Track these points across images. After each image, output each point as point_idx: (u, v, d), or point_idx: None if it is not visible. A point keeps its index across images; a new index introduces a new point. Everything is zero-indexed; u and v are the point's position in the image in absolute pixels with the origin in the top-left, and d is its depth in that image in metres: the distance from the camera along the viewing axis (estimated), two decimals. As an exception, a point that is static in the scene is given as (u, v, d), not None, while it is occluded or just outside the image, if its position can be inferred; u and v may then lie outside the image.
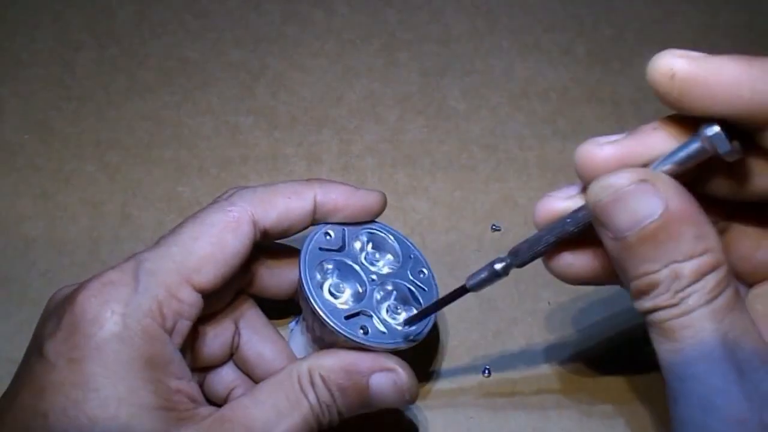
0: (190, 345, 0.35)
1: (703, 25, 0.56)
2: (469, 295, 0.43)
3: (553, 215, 0.31)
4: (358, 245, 0.37)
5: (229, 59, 0.54)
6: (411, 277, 0.37)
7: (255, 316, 0.39)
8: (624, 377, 0.41)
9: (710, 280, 0.26)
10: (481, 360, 0.42)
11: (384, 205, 0.37)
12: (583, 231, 0.30)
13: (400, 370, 0.34)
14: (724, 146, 0.26)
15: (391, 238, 0.38)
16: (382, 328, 0.34)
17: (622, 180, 0.27)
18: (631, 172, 0.27)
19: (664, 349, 0.27)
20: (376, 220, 0.38)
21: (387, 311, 0.36)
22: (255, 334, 0.38)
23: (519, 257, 0.32)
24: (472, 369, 0.41)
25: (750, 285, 0.32)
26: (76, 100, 0.52)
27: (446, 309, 0.43)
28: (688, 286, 0.26)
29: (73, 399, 0.29)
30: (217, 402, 0.37)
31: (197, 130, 0.50)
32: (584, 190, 0.30)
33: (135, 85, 0.52)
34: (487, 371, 0.41)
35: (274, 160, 0.49)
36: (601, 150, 0.29)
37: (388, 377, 0.33)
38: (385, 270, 0.37)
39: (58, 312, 0.31)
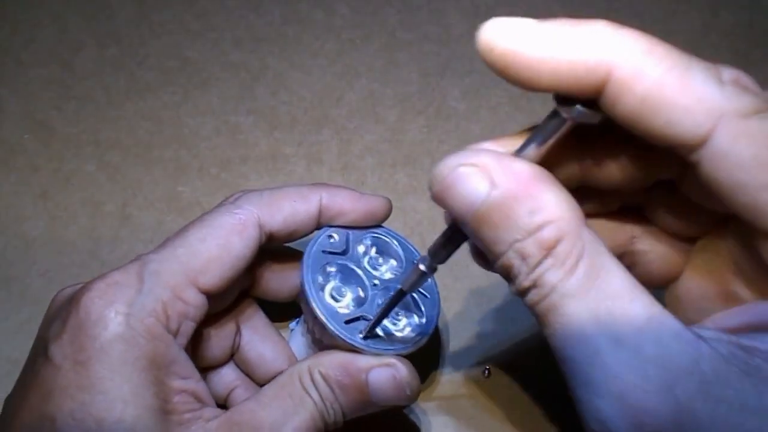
0: (192, 346, 0.35)
1: (703, 25, 0.56)
2: (469, 296, 0.44)
3: None
4: (361, 249, 0.37)
5: (229, 59, 0.54)
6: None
7: (257, 318, 0.39)
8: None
9: (559, 253, 0.24)
10: (481, 360, 0.42)
11: (389, 211, 0.37)
12: None
13: (399, 364, 0.34)
14: (574, 111, 0.25)
15: (395, 243, 0.38)
16: (382, 333, 0.34)
17: (450, 163, 0.26)
18: (456, 156, 0.26)
19: (545, 333, 0.25)
20: (381, 225, 0.38)
21: (388, 317, 0.36)
22: (256, 334, 0.38)
23: (437, 257, 0.31)
24: (472, 369, 0.41)
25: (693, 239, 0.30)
26: (76, 100, 0.52)
27: (446, 309, 0.43)
28: (538, 264, 0.24)
29: (80, 402, 0.29)
30: (216, 402, 0.37)
31: (197, 130, 0.50)
32: None
33: (135, 85, 0.52)
34: (487, 371, 0.41)
35: (274, 160, 0.49)
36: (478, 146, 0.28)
37: (386, 372, 0.33)
38: (388, 275, 0.37)
39: (62, 313, 0.31)
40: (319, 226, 0.36)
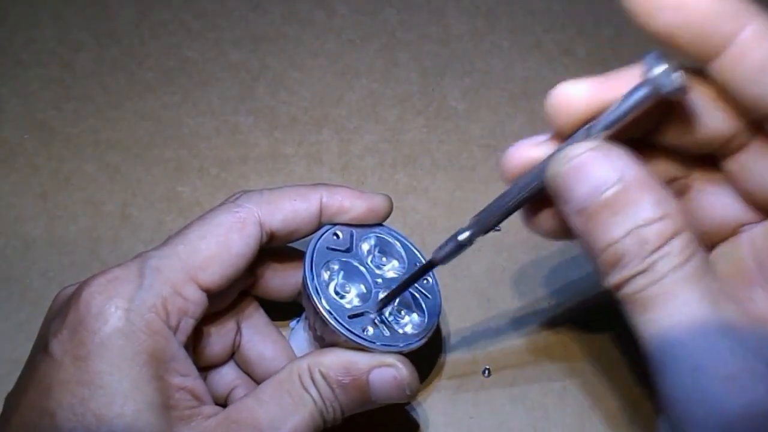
0: (192, 344, 0.35)
1: (703, 25, 0.56)
2: (469, 296, 0.44)
3: (524, 164, 0.31)
4: (365, 248, 0.37)
5: (229, 59, 0.54)
6: (415, 284, 0.37)
7: (257, 317, 0.39)
8: (626, 377, 0.41)
9: (676, 245, 0.26)
10: (481, 360, 0.42)
11: (390, 209, 0.38)
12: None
13: (399, 365, 0.34)
14: (668, 82, 0.26)
15: (398, 244, 0.38)
16: (385, 331, 0.34)
17: (577, 150, 0.28)
18: (586, 143, 0.28)
19: (642, 321, 0.26)
20: (385, 224, 0.38)
21: (390, 314, 0.36)
22: (256, 334, 0.38)
23: (481, 224, 0.32)
24: (472, 369, 0.41)
25: (711, 246, 0.31)
26: (76, 100, 0.52)
27: (446, 309, 0.43)
28: (655, 251, 0.26)
29: (80, 397, 0.29)
30: (216, 401, 0.37)
31: (197, 130, 0.50)
32: (555, 136, 0.30)
33: (135, 85, 0.52)
34: (487, 371, 0.41)
35: (274, 160, 0.49)
36: (574, 87, 0.29)
37: (387, 372, 0.34)
38: (390, 274, 0.37)
39: (62, 310, 0.32)
40: (320, 226, 0.37)
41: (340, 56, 0.54)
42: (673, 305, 0.26)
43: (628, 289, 0.27)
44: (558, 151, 0.29)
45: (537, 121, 0.51)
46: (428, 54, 0.54)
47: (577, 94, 0.29)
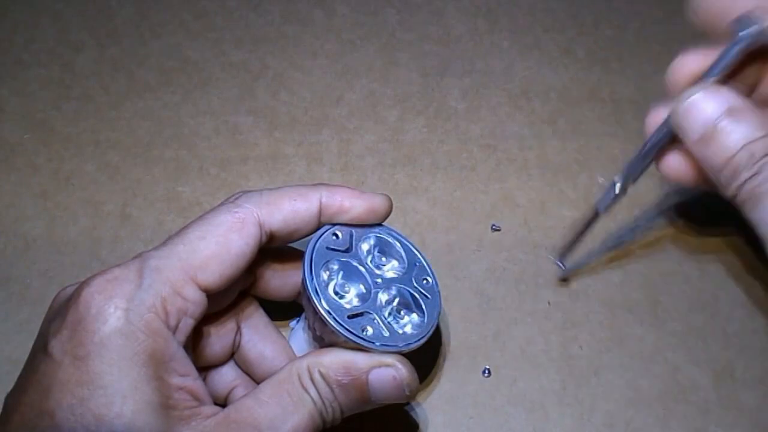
0: (192, 344, 0.35)
1: (703, 25, 0.56)
2: (469, 296, 0.44)
3: (695, 74, 0.36)
4: (365, 248, 0.37)
5: (229, 59, 0.54)
6: (415, 284, 0.37)
7: (257, 317, 0.39)
8: (624, 377, 0.41)
9: None
10: (481, 360, 0.42)
11: (390, 209, 0.38)
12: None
13: (399, 365, 0.34)
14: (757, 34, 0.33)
15: (398, 244, 0.38)
16: (384, 331, 0.34)
17: (692, 91, 0.35)
18: (697, 86, 0.35)
19: (757, 213, 0.33)
20: (384, 224, 0.38)
21: (390, 314, 0.36)
22: (256, 334, 0.38)
23: (629, 171, 0.38)
24: (472, 369, 0.41)
25: None
26: (76, 100, 0.52)
27: (446, 309, 0.43)
28: (761, 158, 0.33)
29: (79, 397, 0.29)
30: (216, 401, 0.37)
31: (197, 130, 0.50)
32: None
33: (135, 85, 0.52)
34: (487, 371, 0.41)
35: (274, 160, 0.49)
36: (689, 57, 0.37)
37: (387, 373, 0.34)
38: (390, 274, 0.37)
39: (62, 310, 0.32)
40: (319, 226, 0.36)
41: (340, 56, 0.54)
42: None
43: (744, 193, 0.34)
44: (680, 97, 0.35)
45: (537, 121, 0.51)
46: (428, 54, 0.54)
47: (690, 62, 0.36)
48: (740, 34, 0.34)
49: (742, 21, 0.34)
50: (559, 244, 0.43)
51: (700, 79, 0.35)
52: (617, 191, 0.38)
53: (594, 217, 0.40)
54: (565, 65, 0.54)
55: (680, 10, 0.57)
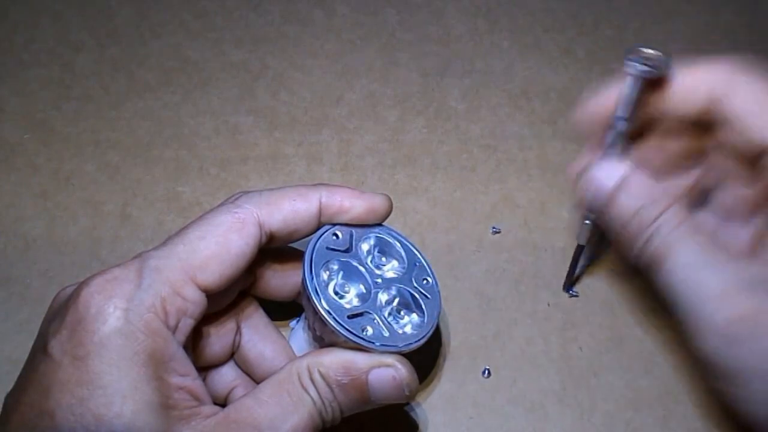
0: (191, 344, 0.35)
1: (703, 25, 0.56)
2: (469, 296, 0.44)
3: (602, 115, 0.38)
4: (365, 248, 0.37)
5: (229, 59, 0.54)
6: (415, 284, 0.37)
7: (257, 317, 0.39)
8: (624, 378, 0.41)
9: (670, 213, 0.35)
10: (481, 360, 0.42)
11: (390, 209, 0.38)
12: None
13: (398, 365, 0.34)
14: (642, 70, 0.35)
15: (398, 244, 0.38)
16: (384, 331, 0.34)
17: (593, 163, 0.38)
18: (598, 158, 0.38)
19: (661, 272, 0.35)
20: (384, 224, 0.38)
21: (390, 314, 0.36)
22: (256, 334, 0.38)
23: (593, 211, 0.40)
24: (472, 369, 0.41)
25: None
26: (76, 100, 0.52)
27: (446, 309, 0.43)
28: (654, 221, 0.35)
29: (79, 397, 0.29)
30: (216, 401, 0.37)
31: (197, 130, 0.50)
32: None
33: (135, 85, 0.52)
34: (487, 372, 0.41)
35: (274, 160, 0.49)
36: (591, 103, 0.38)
37: (386, 373, 0.34)
38: (390, 274, 0.37)
39: (61, 310, 0.32)
40: (319, 226, 0.36)
41: (340, 56, 0.54)
42: (676, 253, 0.34)
43: (645, 254, 0.35)
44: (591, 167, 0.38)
45: (537, 121, 0.51)
46: (428, 54, 0.54)
47: (596, 105, 0.38)
48: (630, 72, 0.36)
49: (629, 62, 0.36)
50: (562, 280, 0.44)
51: (609, 119, 0.37)
52: (590, 224, 0.40)
53: (579, 249, 0.42)
54: (565, 65, 0.54)
55: (680, 11, 0.57)
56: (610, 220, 0.37)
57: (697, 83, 0.36)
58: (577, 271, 0.44)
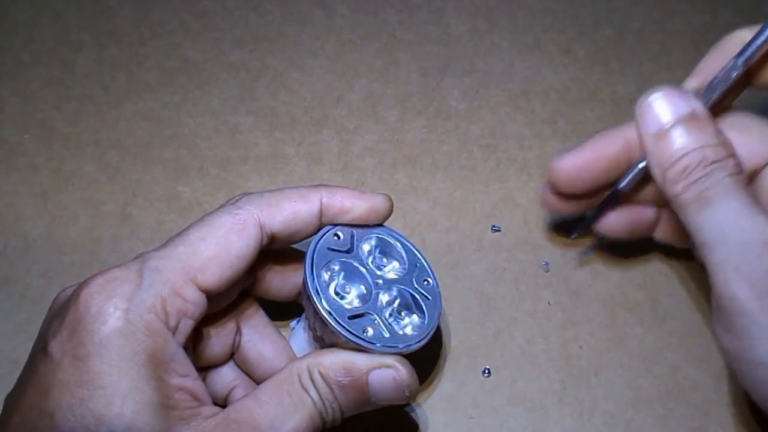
0: (192, 345, 0.35)
1: (703, 25, 0.56)
2: (469, 296, 0.44)
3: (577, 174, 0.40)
4: (366, 248, 0.37)
5: (229, 59, 0.54)
6: (416, 285, 0.37)
7: (257, 317, 0.39)
8: (624, 377, 0.41)
9: (730, 162, 0.36)
10: (481, 360, 0.42)
11: (390, 209, 0.38)
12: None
13: (399, 366, 0.34)
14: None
15: (399, 245, 0.38)
16: (384, 331, 0.34)
17: (658, 90, 0.38)
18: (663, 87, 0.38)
19: (702, 215, 0.35)
20: (385, 225, 0.38)
21: (390, 315, 0.36)
22: (256, 334, 0.38)
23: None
24: (472, 369, 0.41)
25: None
26: (76, 100, 0.52)
27: (446, 309, 0.43)
28: (713, 163, 0.35)
29: (79, 397, 0.29)
30: (216, 401, 0.37)
31: (197, 130, 0.50)
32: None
33: (135, 85, 0.52)
34: (487, 371, 0.41)
35: (274, 160, 0.49)
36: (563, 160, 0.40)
37: (387, 374, 0.34)
38: (391, 275, 0.37)
39: (61, 310, 0.32)
40: (320, 226, 0.36)
41: (340, 56, 0.54)
42: (726, 200, 0.35)
43: (690, 193, 0.35)
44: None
45: (537, 121, 0.51)
46: (428, 54, 0.54)
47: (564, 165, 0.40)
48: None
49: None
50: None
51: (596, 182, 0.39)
52: (641, 170, 0.39)
53: (612, 197, 0.41)
54: (565, 65, 0.54)
55: (680, 10, 0.57)
56: (662, 149, 0.37)
57: None
58: (595, 224, 0.43)
